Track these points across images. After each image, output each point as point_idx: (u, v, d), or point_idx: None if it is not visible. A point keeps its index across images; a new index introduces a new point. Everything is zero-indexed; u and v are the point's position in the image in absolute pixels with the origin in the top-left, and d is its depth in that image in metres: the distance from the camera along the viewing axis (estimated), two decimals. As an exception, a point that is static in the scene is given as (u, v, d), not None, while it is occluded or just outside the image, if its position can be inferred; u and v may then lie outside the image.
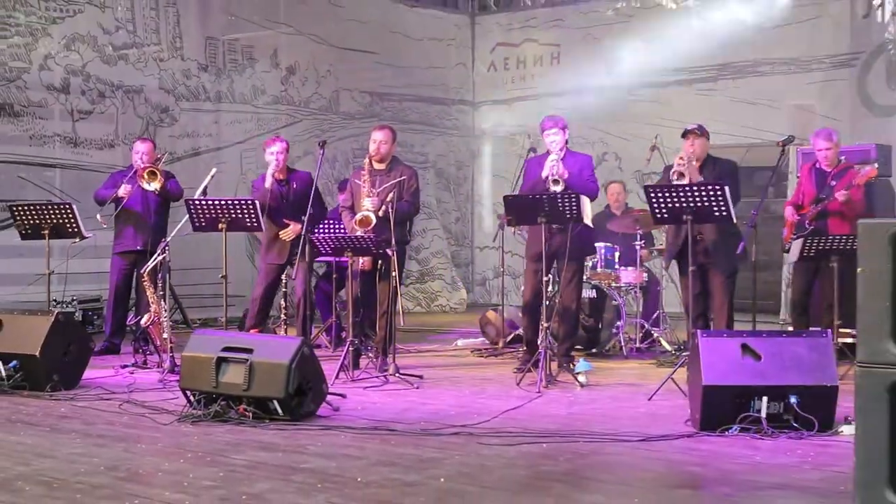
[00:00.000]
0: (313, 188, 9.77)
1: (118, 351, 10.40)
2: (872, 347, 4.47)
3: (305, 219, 9.45)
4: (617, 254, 10.82)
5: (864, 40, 13.90)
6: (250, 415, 6.81)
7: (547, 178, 8.95)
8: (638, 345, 10.84)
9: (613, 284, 10.77)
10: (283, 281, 10.23)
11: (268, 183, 9.97)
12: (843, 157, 9.89)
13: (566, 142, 9.17)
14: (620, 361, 10.25)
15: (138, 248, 10.37)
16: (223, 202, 9.33)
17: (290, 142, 10.65)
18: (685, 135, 9.17)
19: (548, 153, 9.14)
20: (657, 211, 8.26)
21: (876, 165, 9.67)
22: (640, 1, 16.03)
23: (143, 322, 9.44)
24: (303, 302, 10.05)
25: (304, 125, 15.46)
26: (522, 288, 9.73)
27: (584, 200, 8.75)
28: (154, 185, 10.29)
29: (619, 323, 10.67)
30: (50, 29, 13.01)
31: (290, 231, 9.98)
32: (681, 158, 8.89)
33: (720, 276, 9.05)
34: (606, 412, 7.35)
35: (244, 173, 14.49)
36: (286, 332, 9.97)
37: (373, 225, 8.86)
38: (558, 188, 8.85)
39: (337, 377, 8.45)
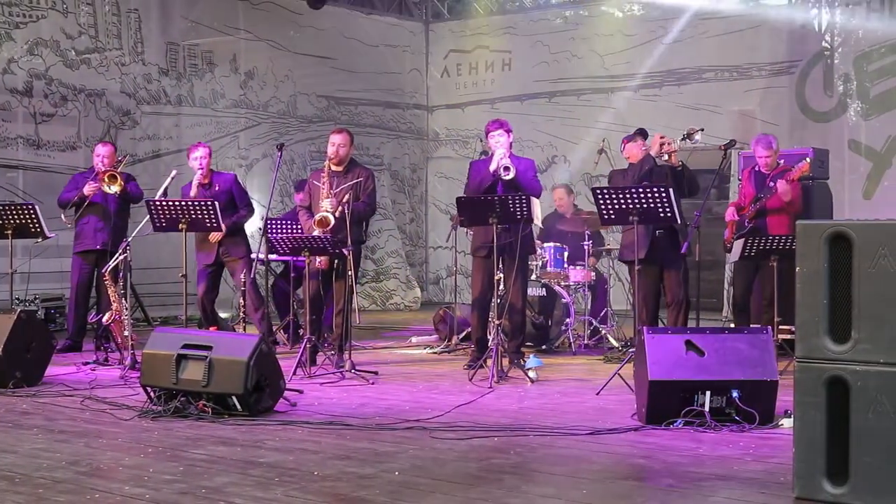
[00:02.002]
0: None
1: (80, 349, 10.45)
2: (810, 343, 4.63)
3: (263, 218, 9.56)
4: (566, 253, 10.94)
5: (801, 49, 14.20)
6: (209, 410, 6.81)
7: (496, 171, 9.02)
8: (586, 341, 10.93)
9: (563, 283, 10.90)
10: (242, 280, 10.33)
11: (193, 191, 10.08)
12: (781, 161, 10.09)
13: (511, 144, 9.27)
14: (569, 357, 10.34)
15: (98, 247, 10.46)
16: (183, 203, 9.42)
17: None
18: (635, 136, 9.37)
19: (493, 156, 9.21)
20: (604, 212, 8.38)
21: (808, 160, 9.88)
22: (588, 9, 16.24)
23: (104, 320, 9.45)
24: (252, 300, 10.17)
25: (262, 128, 15.56)
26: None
27: (535, 202, 8.84)
28: (115, 189, 10.36)
29: (567, 320, 10.79)
30: (13, 33, 13.04)
31: (214, 233, 10.03)
32: (669, 144, 9.06)
33: (677, 275, 9.22)
34: (556, 407, 7.40)
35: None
36: (245, 331, 10.06)
37: (331, 226, 8.99)
38: (510, 175, 8.93)
39: (294, 373, 8.52)
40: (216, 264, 10.26)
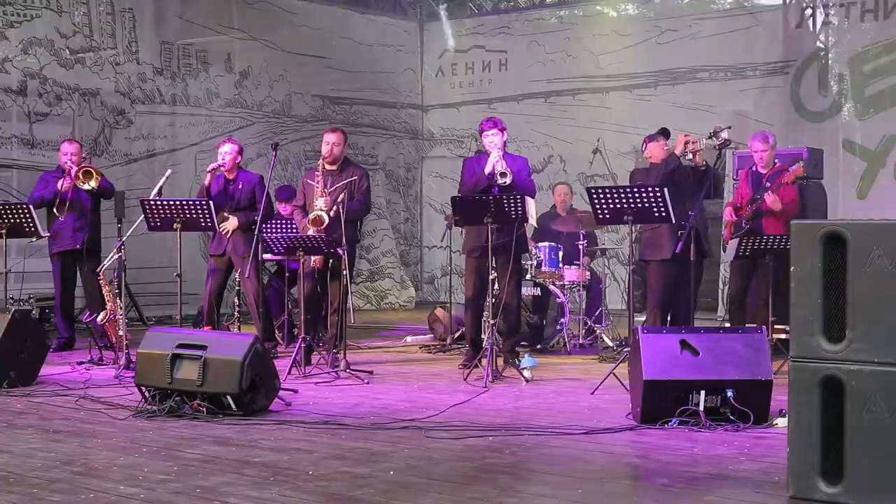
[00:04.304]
0: (265, 192, 9.89)
1: (72, 346, 10.48)
2: (804, 343, 4.63)
3: (259, 219, 9.55)
4: (560, 253, 10.93)
5: (796, 49, 14.25)
6: (204, 410, 6.81)
7: (492, 173, 8.99)
8: (581, 341, 10.92)
9: (557, 282, 10.88)
10: (237, 279, 10.29)
11: (206, 180, 10.04)
12: (777, 161, 10.14)
13: (505, 143, 9.25)
14: (564, 357, 10.33)
15: (78, 246, 10.47)
16: (178, 202, 9.38)
17: (244, 144, 10.73)
18: (657, 136, 9.33)
19: (487, 154, 9.20)
20: (599, 212, 8.37)
21: (802, 163, 9.90)
22: (583, 9, 16.27)
23: (98, 320, 9.44)
24: (257, 302, 10.15)
25: (257, 128, 15.56)
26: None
27: (529, 201, 8.84)
28: (91, 185, 10.36)
29: (562, 320, 10.76)
30: (7, 33, 13.03)
31: (228, 224, 9.99)
32: (694, 143, 9.05)
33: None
34: (550, 406, 7.40)
35: (198, 174, 14.45)
36: (240, 330, 10.03)
37: (325, 224, 9.00)
38: (507, 180, 8.92)
39: (289, 373, 8.50)
40: (224, 258, 10.17)
